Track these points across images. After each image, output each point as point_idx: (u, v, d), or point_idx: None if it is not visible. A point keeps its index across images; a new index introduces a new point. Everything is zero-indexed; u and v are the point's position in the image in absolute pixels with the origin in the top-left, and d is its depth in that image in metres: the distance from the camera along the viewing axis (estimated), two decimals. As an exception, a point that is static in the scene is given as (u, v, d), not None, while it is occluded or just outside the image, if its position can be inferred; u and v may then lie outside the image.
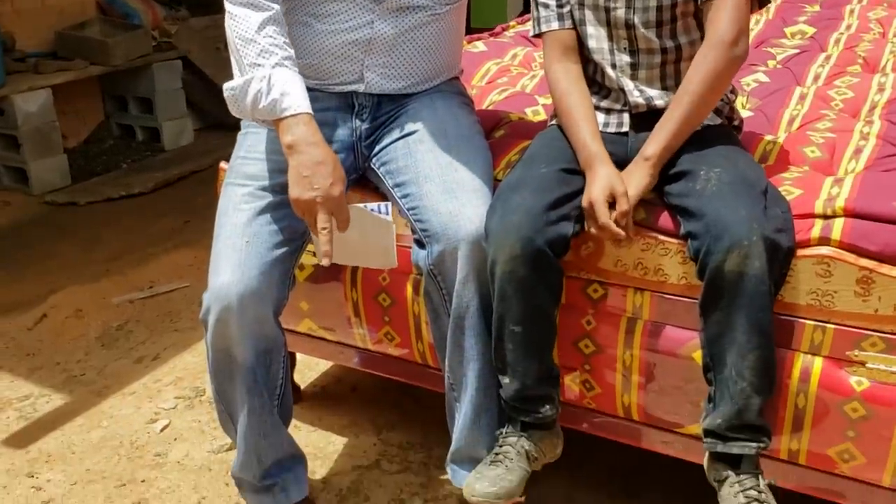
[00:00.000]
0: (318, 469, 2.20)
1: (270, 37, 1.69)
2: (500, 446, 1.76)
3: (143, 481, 2.19)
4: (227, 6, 1.74)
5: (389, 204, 1.77)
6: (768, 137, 1.98)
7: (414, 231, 1.79)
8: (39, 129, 4.37)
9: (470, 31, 3.10)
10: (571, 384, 1.85)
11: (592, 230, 1.65)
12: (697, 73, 1.64)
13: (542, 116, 2.23)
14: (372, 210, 1.74)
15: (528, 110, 2.28)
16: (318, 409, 2.47)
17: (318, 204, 1.65)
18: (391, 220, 1.74)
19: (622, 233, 1.61)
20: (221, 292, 1.74)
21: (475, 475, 1.71)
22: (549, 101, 2.24)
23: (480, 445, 1.83)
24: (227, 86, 1.72)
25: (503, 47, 2.96)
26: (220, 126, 5.25)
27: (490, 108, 2.35)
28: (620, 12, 1.73)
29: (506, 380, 1.73)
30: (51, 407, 2.56)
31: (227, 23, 1.74)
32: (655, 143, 1.65)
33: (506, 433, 1.78)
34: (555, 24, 1.81)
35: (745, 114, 2.12)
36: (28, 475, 2.24)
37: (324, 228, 1.66)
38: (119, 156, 4.98)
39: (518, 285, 1.62)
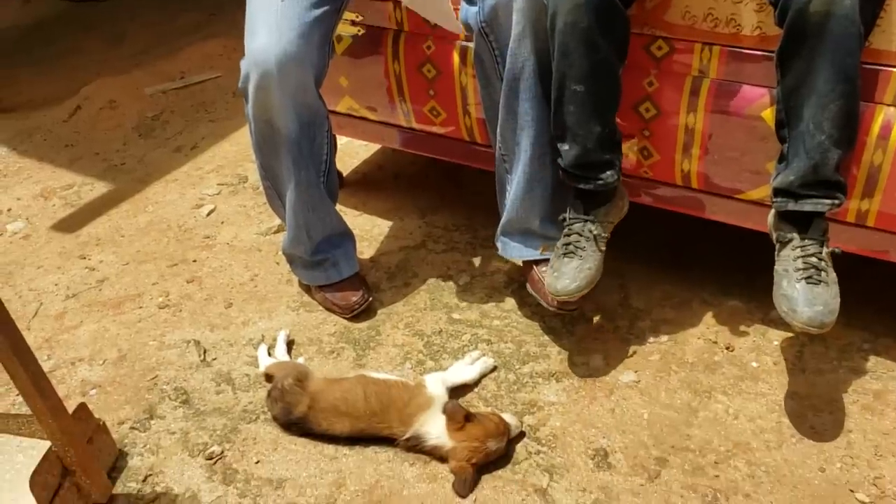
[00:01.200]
0: (365, 250, 2.20)
1: None
2: (568, 235, 1.71)
3: (194, 261, 2.21)
4: None
5: None
6: None
7: (466, -15, 1.66)
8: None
9: None
10: (628, 152, 1.78)
11: None
12: None
13: None
14: None
15: None
16: (362, 194, 2.45)
17: None
18: None
19: None
20: (259, 56, 1.65)
21: (553, 274, 1.68)
22: None
23: (533, 216, 1.79)
24: None
25: None
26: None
27: None
28: None
29: (565, 146, 1.66)
30: (95, 194, 2.57)
31: None
32: None
33: (570, 219, 1.72)
34: None
35: None
36: (80, 257, 2.27)
37: None
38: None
39: (581, 38, 1.50)
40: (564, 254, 1.70)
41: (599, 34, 1.50)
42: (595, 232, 1.70)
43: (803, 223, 1.51)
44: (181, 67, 3.25)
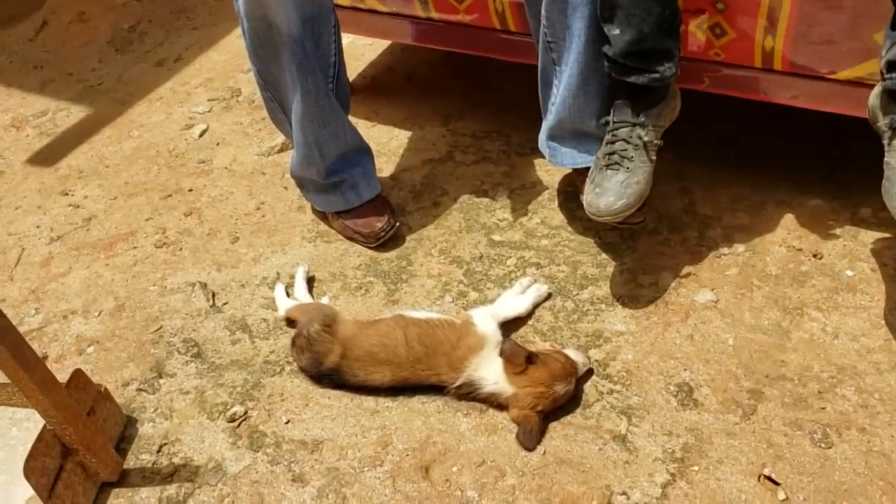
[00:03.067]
0: (383, 166, 1.94)
1: None
2: (612, 143, 1.46)
3: (190, 190, 1.95)
4: None
5: None
6: None
7: None
8: None
9: None
10: (696, 31, 1.49)
11: None
12: None
13: None
14: None
15: None
16: (373, 102, 2.16)
17: None
18: None
19: None
20: (250, -63, 1.35)
21: (594, 190, 1.43)
22: None
23: (588, 115, 1.52)
24: None
25: None
26: None
27: None
28: None
29: (615, 30, 1.37)
30: (72, 121, 2.28)
31: None
32: None
33: (614, 123, 1.47)
34: None
35: None
36: (62, 193, 2.01)
37: None
38: None
39: None
40: (608, 165, 1.45)
41: None
42: (645, 138, 1.44)
43: None
44: (154, -31, 2.89)
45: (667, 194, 1.73)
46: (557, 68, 1.51)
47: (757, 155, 1.80)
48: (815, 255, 1.56)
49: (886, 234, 1.58)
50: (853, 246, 1.57)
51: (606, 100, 1.50)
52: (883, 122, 1.30)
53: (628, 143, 1.45)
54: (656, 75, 1.40)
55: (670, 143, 1.68)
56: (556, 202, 1.76)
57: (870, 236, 1.58)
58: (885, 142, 1.30)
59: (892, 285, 1.49)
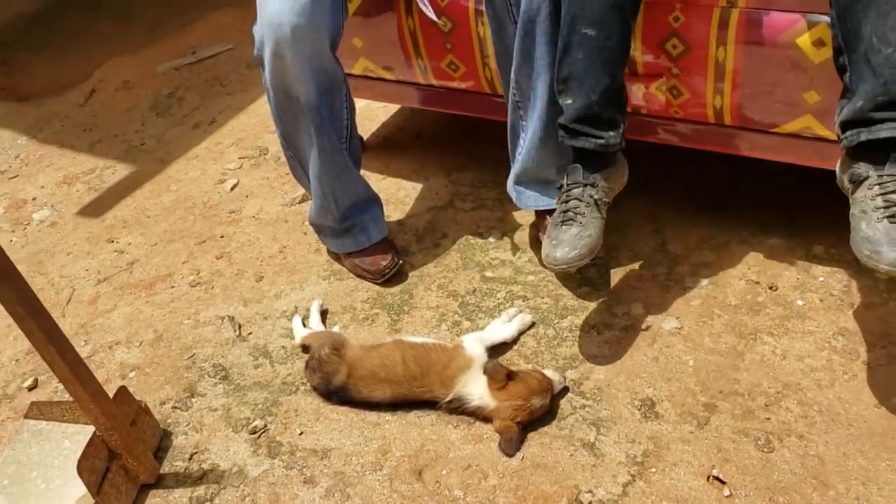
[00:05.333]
0: (392, 213, 2.17)
1: None
2: (566, 202, 1.61)
3: (222, 237, 2.20)
4: None
5: None
6: None
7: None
8: None
9: None
10: (657, 93, 1.72)
11: None
12: None
13: None
14: None
15: None
16: (385, 157, 2.40)
17: None
18: None
19: None
20: (273, 23, 1.61)
21: (550, 243, 1.58)
22: None
23: (549, 165, 1.75)
24: None
25: None
26: None
27: None
28: None
29: (568, 100, 1.57)
30: (117, 177, 2.55)
31: None
32: None
33: (567, 185, 1.63)
34: None
35: None
36: (108, 240, 2.27)
37: None
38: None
39: None
40: (563, 221, 1.60)
41: None
42: (596, 196, 1.60)
43: (879, 156, 1.36)
44: (192, 42, 3.20)
45: (641, 234, 1.94)
46: (524, 123, 1.75)
47: (724, 198, 2.00)
48: (770, 287, 1.75)
49: (836, 269, 1.76)
50: (805, 279, 1.76)
51: (564, 153, 1.70)
52: (846, 180, 1.42)
53: (580, 201, 1.60)
54: (601, 140, 1.58)
55: (646, 189, 1.91)
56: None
57: (821, 270, 1.77)
58: (849, 196, 1.42)
59: (836, 313, 1.67)
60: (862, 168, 1.37)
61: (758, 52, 1.56)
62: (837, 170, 1.47)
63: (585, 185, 1.61)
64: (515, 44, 1.63)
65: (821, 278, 1.75)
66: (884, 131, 1.32)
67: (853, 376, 1.54)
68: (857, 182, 1.38)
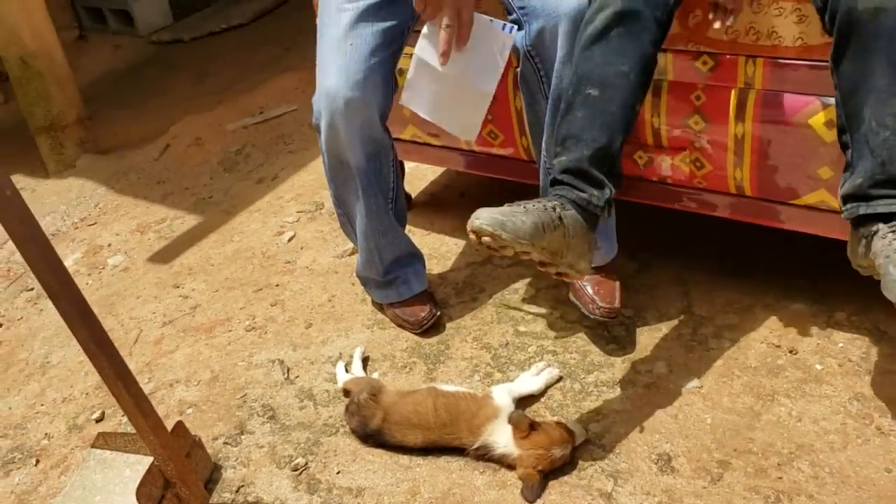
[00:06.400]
0: (434, 267, 2.31)
1: None
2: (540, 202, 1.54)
3: (277, 285, 2.37)
4: None
5: (515, 27, 1.68)
6: None
7: (510, 11, 1.75)
8: (137, -32, 4.42)
9: None
10: (681, 164, 1.83)
11: None
12: None
13: None
14: (495, 24, 1.67)
15: None
16: (430, 214, 2.56)
17: None
18: (513, 37, 1.66)
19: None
20: (330, 97, 1.79)
21: (487, 209, 1.48)
22: None
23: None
24: None
25: None
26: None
27: None
28: None
29: (562, 157, 1.57)
30: (186, 227, 2.76)
31: None
32: None
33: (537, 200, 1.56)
34: None
35: None
36: (174, 286, 2.46)
37: (448, 26, 1.64)
38: (214, -11, 5.01)
39: (609, 44, 1.53)
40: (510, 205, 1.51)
41: (627, 43, 1.53)
42: (559, 211, 1.50)
43: (883, 218, 1.44)
44: (260, 102, 3.45)
45: (669, 295, 2.03)
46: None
47: (751, 264, 2.08)
48: (791, 351, 1.83)
49: (856, 335, 1.83)
50: (825, 344, 1.83)
51: None
52: (859, 250, 1.48)
53: (539, 203, 1.52)
54: (584, 195, 1.55)
55: (676, 252, 2.00)
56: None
57: (841, 336, 1.84)
58: (869, 254, 1.45)
59: (853, 378, 1.73)
60: (868, 227, 1.45)
61: (774, 131, 1.66)
62: (848, 242, 1.55)
63: (553, 199, 1.55)
64: (546, 116, 1.77)
65: (840, 344, 1.82)
66: (881, 207, 1.43)
67: (866, 441, 1.60)
68: (869, 237, 1.44)
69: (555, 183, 1.60)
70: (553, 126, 1.76)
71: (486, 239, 1.46)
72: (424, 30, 1.69)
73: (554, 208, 1.51)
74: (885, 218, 1.43)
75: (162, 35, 4.47)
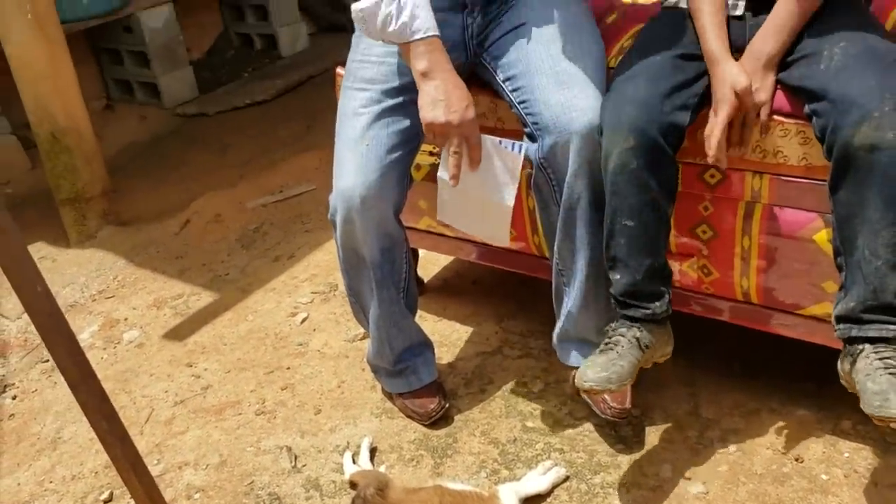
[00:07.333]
0: (444, 355, 2.34)
1: None
2: (611, 338, 1.75)
3: (288, 368, 2.40)
4: None
5: (524, 144, 1.78)
6: (903, 4, 1.85)
7: (525, 125, 1.82)
8: (166, 44, 4.58)
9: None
10: (689, 270, 1.87)
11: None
12: None
13: (656, -2, 2.16)
14: (503, 145, 1.77)
15: (641, -7, 2.22)
16: (442, 300, 2.60)
17: (454, 127, 1.71)
18: (522, 156, 1.76)
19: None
20: (346, 194, 1.86)
21: (585, 364, 1.71)
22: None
23: (589, 328, 1.91)
24: (356, 7, 1.71)
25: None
26: (331, 29, 5.39)
27: (601, -8, 2.29)
28: None
29: (616, 276, 1.74)
30: (202, 304, 2.81)
31: None
32: (774, 41, 1.61)
33: (615, 327, 1.77)
34: None
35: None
36: (187, 365, 2.50)
37: (456, 152, 1.73)
38: (240, 65, 5.17)
39: (631, 178, 1.63)
40: (601, 350, 1.72)
41: (648, 175, 1.62)
42: (638, 335, 1.70)
43: (871, 340, 1.51)
44: (280, 180, 3.53)
45: (677, 396, 2.05)
46: (567, 289, 1.92)
47: (757, 367, 2.10)
48: (796, 459, 1.83)
49: (862, 446, 1.84)
50: (831, 453, 1.83)
51: (605, 315, 1.85)
52: (843, 367, 1.56)
53: (623, 336, 1.71)
54: (648, 311, 1.72)
55: (684, 353, 2.02)
56: (583, 397, 2.10)
57: (847, 446, 1.84)
58: (853, 370, 1.51)
59: (859, 490, 1.74)
60: (856, 347, 1.52)
61: (779, 244, 1.71)
62: (839, 371, 1.59)
63: (631, 327, 1.74)
64: (558, 223, 1.83)
65: (846, 454, 1.83)
66: (872, 331, 1.49)
67: (871, 557, 1.60)
68: (854, 357, 1.51)
69: (617, 301, 1.77)
70: (564, 232, 1.82)
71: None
72: (442, 153, 1.77)
73: (638, 340, 1.70)
74: (872, 340, 1.49)
75: (187, 108, 4.60)
